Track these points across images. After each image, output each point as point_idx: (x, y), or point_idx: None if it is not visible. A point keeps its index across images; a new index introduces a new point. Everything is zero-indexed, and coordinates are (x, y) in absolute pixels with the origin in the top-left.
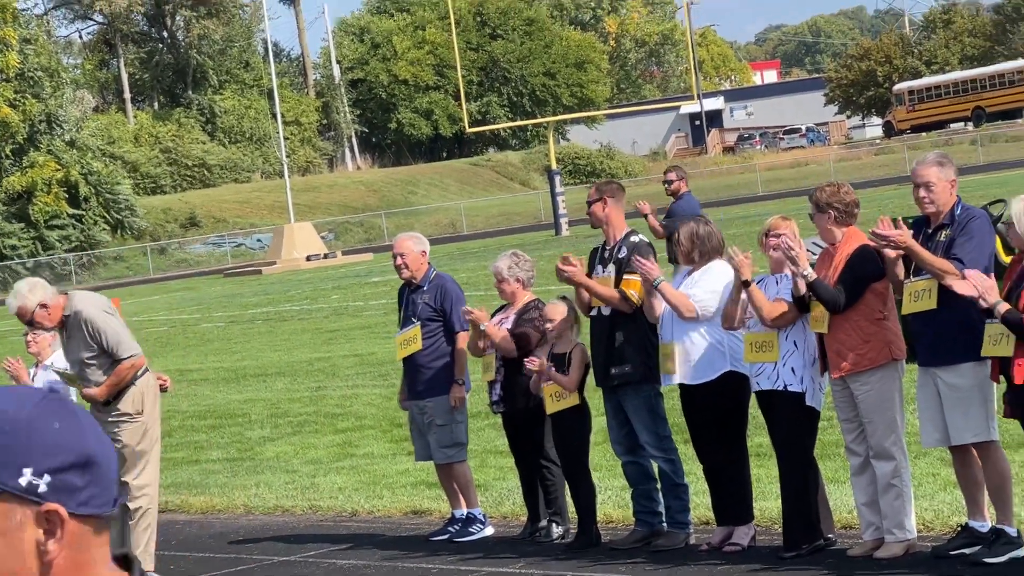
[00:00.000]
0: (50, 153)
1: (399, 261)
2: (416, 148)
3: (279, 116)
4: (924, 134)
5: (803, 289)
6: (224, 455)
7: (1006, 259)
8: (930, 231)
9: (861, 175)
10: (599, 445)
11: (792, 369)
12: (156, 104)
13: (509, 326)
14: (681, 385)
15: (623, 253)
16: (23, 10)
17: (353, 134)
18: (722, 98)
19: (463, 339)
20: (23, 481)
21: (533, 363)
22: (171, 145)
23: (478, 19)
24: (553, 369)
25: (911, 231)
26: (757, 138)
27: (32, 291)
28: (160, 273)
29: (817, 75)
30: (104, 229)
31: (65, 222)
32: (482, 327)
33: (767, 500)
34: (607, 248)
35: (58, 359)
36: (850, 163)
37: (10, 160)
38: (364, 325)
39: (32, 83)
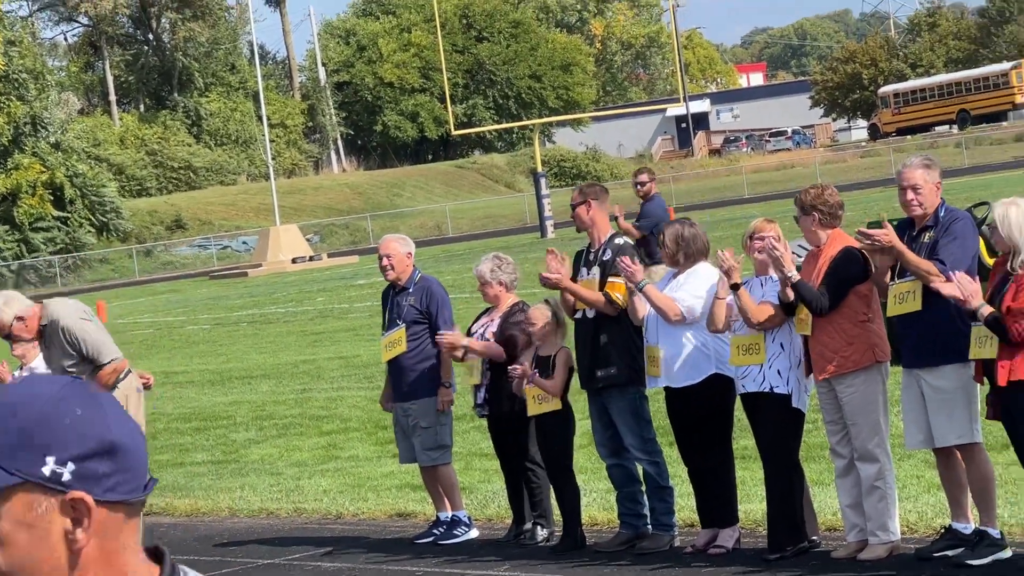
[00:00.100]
0: (35, 155)
1: (385, 262)
2: (402, 150)
3: (265, 118)
4: (909, 137)
5: (791, 296)
6: (209, 457)
7: (990, 261)
8: (914, 233)
9: (847, 177)
10: (584, 448)
11: (778, 371)
12: (142, 106)
13: (495, 329)
14: (666, 388)
15: (608, 255)
16: (7, 12)
17: (339, 136)
18: (708, 101)
19: None
20: (46, 470)
21: (517, 370)
22: (157, 147)
23: (464, 21)
24: (537, 375)
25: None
26: (743, 140)
27: (8, 304)
28: (146, 275)
29: (803, 78)
30: (89, 231)
31: (50, 224)
32: (459, 351)
33: (752, 502)
34: (592, 251)
35: (42, 363)
36: (836, 165)
37: None
38: (349, 327)
39: (17, 85)
